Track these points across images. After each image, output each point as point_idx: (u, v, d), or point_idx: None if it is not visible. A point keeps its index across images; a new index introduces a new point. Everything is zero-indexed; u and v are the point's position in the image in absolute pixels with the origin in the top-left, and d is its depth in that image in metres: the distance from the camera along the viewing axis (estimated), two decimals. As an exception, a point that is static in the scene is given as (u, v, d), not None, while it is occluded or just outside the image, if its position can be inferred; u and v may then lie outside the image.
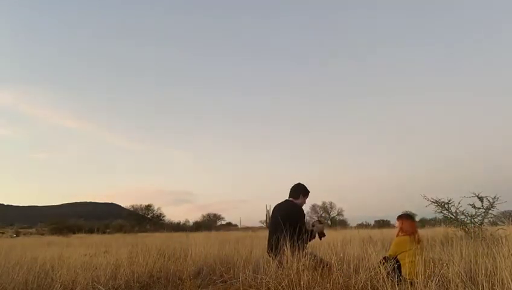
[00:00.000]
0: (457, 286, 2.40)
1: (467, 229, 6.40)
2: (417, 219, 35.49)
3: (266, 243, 3.56)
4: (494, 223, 6.58)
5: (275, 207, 3.67)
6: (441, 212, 6.98)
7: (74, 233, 25.40)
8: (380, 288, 2.57)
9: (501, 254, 2.68)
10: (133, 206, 40.55)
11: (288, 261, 2.94)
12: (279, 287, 2.87)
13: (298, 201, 3.65)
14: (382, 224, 31.96)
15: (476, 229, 6.26)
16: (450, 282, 2.46)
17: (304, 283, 2.80)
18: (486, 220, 6.47)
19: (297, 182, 3.71)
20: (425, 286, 2.39)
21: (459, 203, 6.72)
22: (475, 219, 6.46)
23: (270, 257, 3.30)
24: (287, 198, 3.68)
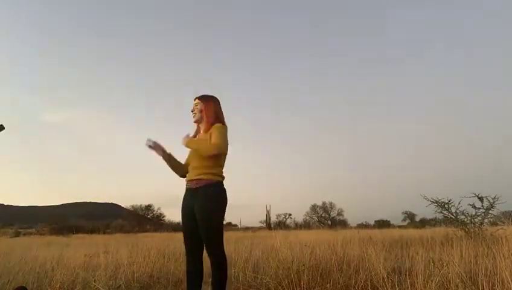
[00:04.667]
0: (457, 286, 2.40)
1: (467, 229, 6.39)
2: (417, 219, 35.63)
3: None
4: (494, 223, 6.58)
5: None
6: (441, 212, 6.97)
7: (74, 233, 25.35)
8: (380, 288, 2.57)
9: (501, 254, 2.68)
10: (133, 206, 40.43)
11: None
12: (279, 287, 2.88)
13: None
14: (382, 224, 31.90)
15: (476, 229, 6.26)
16: (450, 282, 2.46)
17: (303, 283, 2.80)
18: (486, 220, 6.47)
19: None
20: (425, 286, 2.39)
21: (459, 203, 6.72)
22: (475, 219, 6.45)
23: None
24: None
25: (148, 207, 40.77)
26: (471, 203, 6.52)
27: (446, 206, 6.86)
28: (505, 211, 7.00)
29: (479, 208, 6.46)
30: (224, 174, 2.26)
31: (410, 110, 79.89)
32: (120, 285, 3.26)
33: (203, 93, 2.40)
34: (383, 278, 2.60)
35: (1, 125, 2.38)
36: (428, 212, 7.20)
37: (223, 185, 2.24)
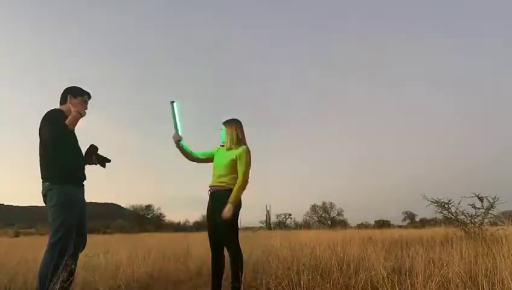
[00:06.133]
0: (457, 286, 2.40)
1: (467, 230, 6.39)
2: (417, 219, 35.73)
3: None
4: (494, 223, 6.58)
5: None
6: (441, 212, 6.97)
7: (74, 233, 25.30)
8: (380, 288, 2.57)
9: (501, 254, 2.68)
10: (133, 206, 40.50)
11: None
12: (279, 287, 2.87)
13: (65, 106, 2.56)
14: (382, 224, 31.90)
15: (476, 229, 6.26)
16: (450, 282, 2.46)
17: (304, 283, 2.80)
18: (486, 220, 6.47)
19: None
20: (425, 286, 2.39)
21: (459, 203, 6.71)
22: (475, 219, 6.45)
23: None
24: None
25: (148, 207, 40.82)
26: (471, 203, 6.51)
27: (446, 206, 6.86)
28: (505, 211, 7.00)
29: (479, 208, 6.45)
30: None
31: (409, 110, 79.92)
32: (120, 285, 3.26)
33: (228, 118, 2.88)
34: (383, 278, 2.60)
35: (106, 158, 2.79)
36: (429, 212, 7.21)
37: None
